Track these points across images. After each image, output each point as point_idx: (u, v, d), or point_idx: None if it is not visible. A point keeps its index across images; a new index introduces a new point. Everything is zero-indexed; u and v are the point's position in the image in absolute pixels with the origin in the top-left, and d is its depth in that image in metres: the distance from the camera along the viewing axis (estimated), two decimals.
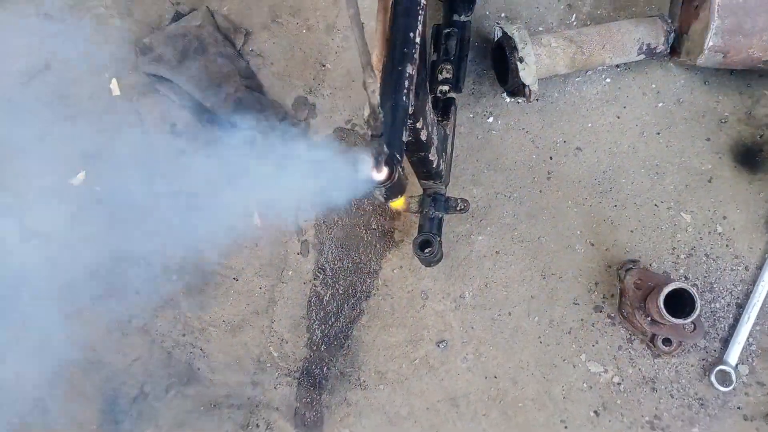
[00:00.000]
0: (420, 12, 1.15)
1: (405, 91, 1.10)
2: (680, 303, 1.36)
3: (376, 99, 0.96)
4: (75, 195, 1.60)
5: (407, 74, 1.11)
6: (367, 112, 1.00)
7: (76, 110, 1.66)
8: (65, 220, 1.59)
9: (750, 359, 1.49)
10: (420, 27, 1.15)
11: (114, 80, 1.65)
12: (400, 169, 1.05)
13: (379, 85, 0.97)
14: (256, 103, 1.56)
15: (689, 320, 1.33)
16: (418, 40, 1.14)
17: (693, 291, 1.34)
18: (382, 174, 1.03)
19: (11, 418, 1.51)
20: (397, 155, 1.04)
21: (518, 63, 1.49)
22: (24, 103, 1.66)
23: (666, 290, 1.34)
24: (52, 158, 1.63)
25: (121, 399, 1.51)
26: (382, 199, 1.11)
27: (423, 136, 1.22)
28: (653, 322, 1.41)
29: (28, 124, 1.64)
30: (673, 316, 1.35)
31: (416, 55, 1.14)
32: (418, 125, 1.18)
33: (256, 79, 1.64)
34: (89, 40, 1.69)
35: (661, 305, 1.34)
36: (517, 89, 1.54)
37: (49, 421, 1.51)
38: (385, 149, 1.01)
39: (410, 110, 1.12)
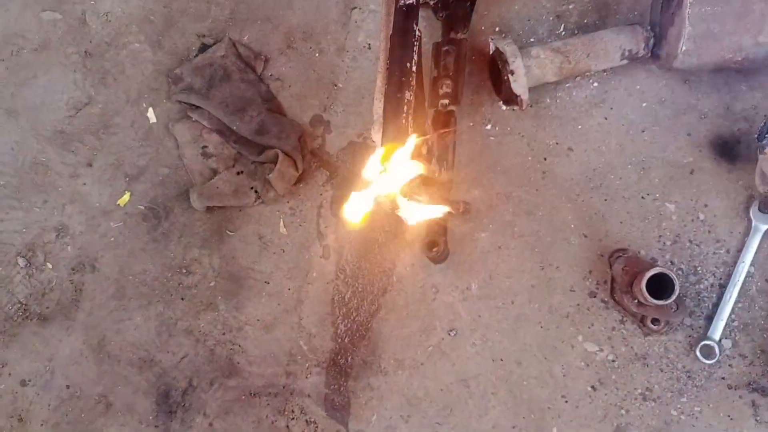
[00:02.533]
0: (414, 44, 1.32)
1: (404, 114, 1.28)
2: (664, 286, 1.51)
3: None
4: (121, 214, 1.81)
5: (406, 100, 1.29)
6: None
7: (120, 137, 1.86)
8: (115, 238, 1.80)
9: (733, 334, 1.64)
10: (415, 56, 1.33)
11: (150, 109, 1.85)
12: None
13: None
14: (277, 124, 1.75)
15: (669, 301, 1.48)
16: (414, 68, 1.32)
17: (672, 275, 1.50)
18: None
19: (79, 415, 1.73)
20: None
21: (510, 75, 1.65)
22: (73, 133, 1.87)
23: (647, 275, 1.49)
24: (100, 181, 1.84)
25: (172, 392, 1.72)
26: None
27: (424, 150, 1.39)
28: (640, 304, 1.56)
29: (78, 152, 1.86)
30: (657, 298, 1.50)
31: (413, 81, 1.32)
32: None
33: (276, 101, 1.83)
34: (126, 74, 1.89)
35: (644, 289, 1.49)
36: (510, 99, 1.70)
37: (113, 413, 1.73)
38: None
39: (410, 129, 1.30)
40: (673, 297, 1.49)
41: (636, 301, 1.57)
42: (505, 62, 1.66)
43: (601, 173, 1.74)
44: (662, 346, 1.65)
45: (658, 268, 1.50)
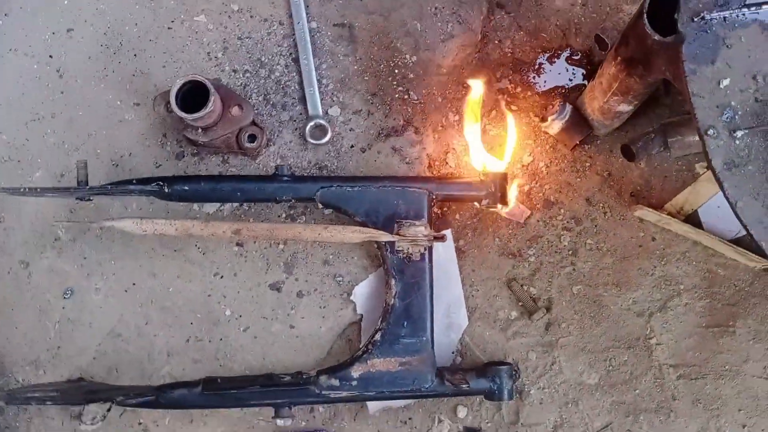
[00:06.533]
0: None
1: None
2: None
3: None
4: None
5: None
6: None
7: None
8: None
9: (334, 98, 1.42)
10: None
11: None
12: None
13: None
14: None
15: (206, 111, 1.22)
16: None
17: (201, 78, 1.23)
18: None
19: None
20: None
21: None
22: None
23: (173, 92, 1.22)
24: None
25: None
26: None
27: None
28: (204, 130, 1.29)
29: None
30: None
31: None
32: None
33: None
34: None
35: (176, 108, 1.22)
36: None
37: None
38: None
39: None
40: (212, 100, 1.23)
41: (198, 130, 1.30)
42: None
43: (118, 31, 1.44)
44: (276, 155, 1.40)
45: (179, 80, 1.23)
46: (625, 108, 1.33)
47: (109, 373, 1.36)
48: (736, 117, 1.04)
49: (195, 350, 1.37)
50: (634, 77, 1.21)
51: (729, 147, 1.02)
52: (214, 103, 1.22)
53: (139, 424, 1.38)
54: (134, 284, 1.38)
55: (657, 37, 1.07)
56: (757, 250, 1.31)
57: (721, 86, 1.04)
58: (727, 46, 1.06)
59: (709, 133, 1.03)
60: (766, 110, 1.04)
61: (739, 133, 1.03)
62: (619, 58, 1.21)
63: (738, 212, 1.00)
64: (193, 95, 1.24)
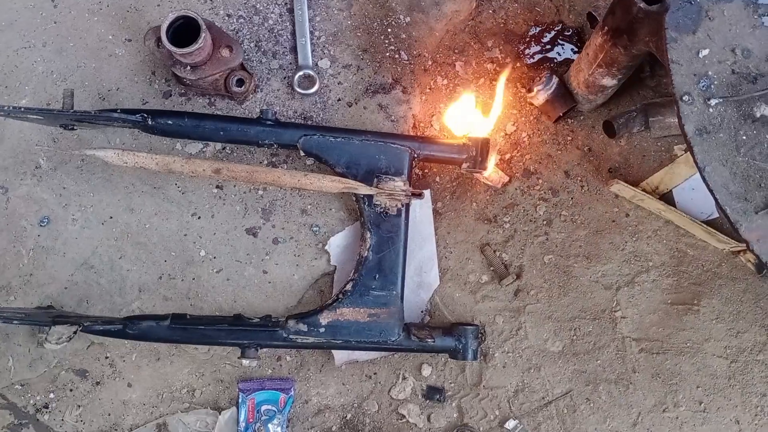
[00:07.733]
0: None
1: None
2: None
3: None
4: None
5: None
6: None
7: None
8: None
9: (325, 51, 1.43)
10: None
11: None
12: None
13: None
14: None
15: (196, 46, 1.22)
16: None
17: (193, 14, 1.24)
18: None
19: None
20: None
21: None
22: None
23: (164, 25, 1.23)
24: None
25: None
26: None
27: None
28: (193, 68, 1.30)
29: None
30: None
31: None
32: None
33: None
34: None
35: (166, 41, 1.23)
36: None
37: None
38: None
39: None
40: (203, 36, 1.24)
41: (188, 68, 1.31)
42: None
43: None
44: (261, 103, 1.41)
45: (170, 15, 1.24)
46: (609, 82, 1.35)
47: (79, 304, 1.37)
48: (712, 86, 1.06)
49: (167, 288, 1.38)
50: (619, 48, 1.23)
51: (702, 114, 1.05)
52: (204, 39, 1.23)
53: (106, 357, 1.38)
54: (111, 218, 1.38)
55: (643, 5, 1.09)
56: (727, 231, 1.35)
57: (700, 56, 1.07)
58: (710, 19, 1.09)
59: (684, 99, 1.05)
60: (742, 82, 1.07)
61: (713, 102, 1.05)
62: (605, 27, 1.23)
63: (705, 176, 1.03)
64: (185, 33, 1.25)
